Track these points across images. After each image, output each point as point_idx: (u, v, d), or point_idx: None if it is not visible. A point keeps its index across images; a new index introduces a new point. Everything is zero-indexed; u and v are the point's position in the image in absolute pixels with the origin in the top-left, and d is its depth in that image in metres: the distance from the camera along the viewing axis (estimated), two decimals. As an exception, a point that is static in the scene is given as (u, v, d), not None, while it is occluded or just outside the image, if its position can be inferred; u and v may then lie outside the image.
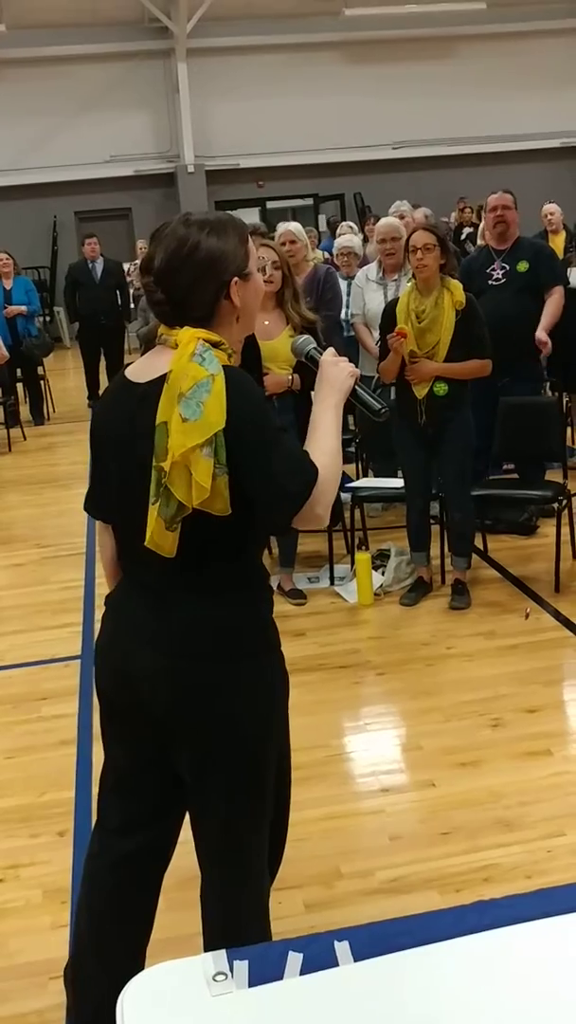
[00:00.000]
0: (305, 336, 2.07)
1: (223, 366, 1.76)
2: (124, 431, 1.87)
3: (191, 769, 1.91)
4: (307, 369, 4.27)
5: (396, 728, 3.60)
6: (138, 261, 12.06)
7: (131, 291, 11.57)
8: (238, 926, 1.99)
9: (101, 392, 1.82)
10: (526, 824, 2.90)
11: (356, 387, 1.95)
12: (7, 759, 3.48)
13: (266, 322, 4.33)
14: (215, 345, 1.79)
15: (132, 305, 10.95)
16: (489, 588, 4.73)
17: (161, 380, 1.79)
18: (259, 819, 1.97)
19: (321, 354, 1.99)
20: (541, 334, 5.12)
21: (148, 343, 1.95)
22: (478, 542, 4.93)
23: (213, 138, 15.58)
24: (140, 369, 1.89)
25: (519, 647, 4.09)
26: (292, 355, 2.09)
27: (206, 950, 1.74)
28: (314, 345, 2.03)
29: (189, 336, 1.77)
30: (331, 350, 2.01)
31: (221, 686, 1.83)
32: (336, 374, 1.93)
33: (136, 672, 1.88)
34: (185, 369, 1.73)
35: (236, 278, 1.83)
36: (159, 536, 1.77)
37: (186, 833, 2.03)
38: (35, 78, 14.76)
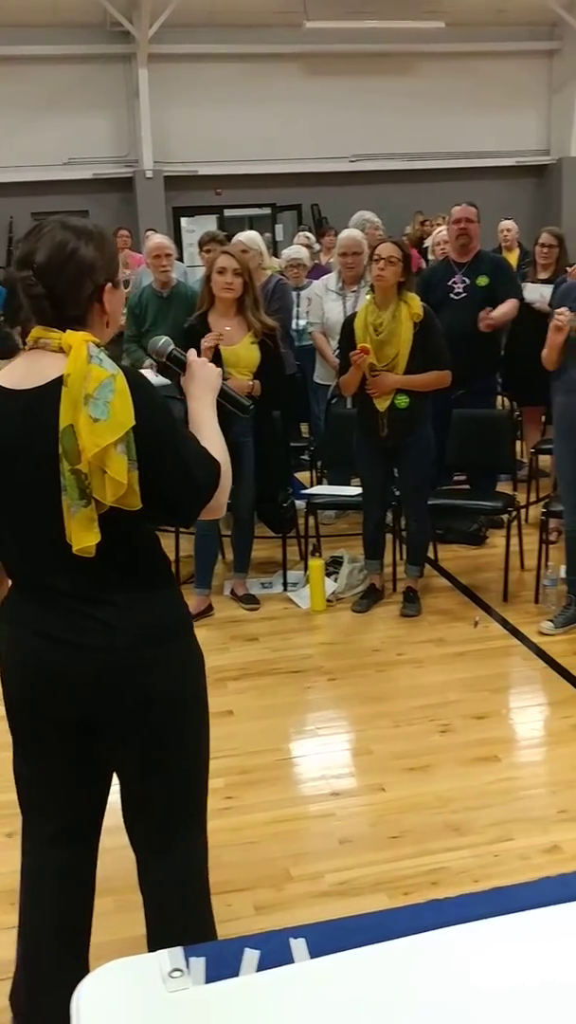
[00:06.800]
0: (165, 338, 2.12)
1: (119, 366, 1.79)
2: (16, 440, 1.81)
3: (145, 754, 1.93)
4: (265, 374, 4.33)
5: (347, 733, 3.63)
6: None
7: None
8: (198, 910, 2.04)
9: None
10: (474, 829, 2.94)
11: (223, 385, 2.07)
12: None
13: (227, 328, 4.34)
14: (98, 347, 1.81)
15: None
16: (439, 596, 4.78)
17: (53, 384, 1.77)
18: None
19: (184, 355, 2.07)
20: (488, 315, 5.20)
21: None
22: (429, 551, 4.98)
23: (172, 144, 15.53)
24: (19, 376, 1.84)
25: (468, 654, 4.14)
26: (154, 356, 2.15)
27: (163, 945, 1.75)
28: (174, 346, 2.09)
29: (79, 339, 1.78)
30: (192, 351, 2.10)
31: (159, 667, 1.90)
32: (207, 373, 2.04)
33: (78, 676, 1.86)
34: (85, 371, 1.75)
35: (109, 283, 1.87)
36: (83, 538, 1.77)
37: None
38: (-7, 77, 14.62)
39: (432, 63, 16.09)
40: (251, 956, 1.39)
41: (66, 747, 1.97)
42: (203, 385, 2.02)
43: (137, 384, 1.80)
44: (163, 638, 1.91)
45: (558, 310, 3.98)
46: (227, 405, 2.09)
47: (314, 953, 1.40)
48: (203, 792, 2.06)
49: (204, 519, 1.98)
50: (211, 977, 1.36)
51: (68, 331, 1.80)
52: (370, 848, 2.88)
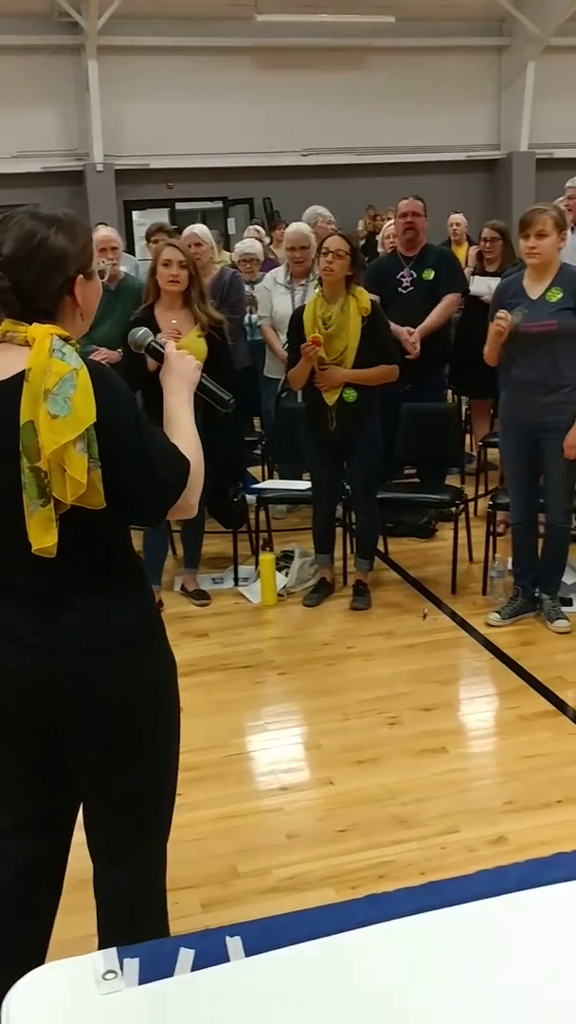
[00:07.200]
0: (144, 329, 2.08)
1: (83, 360, 1.74)
2: None
3: (111, 758, 1.89)
4: (213, 367, 4.30)
5: (296, 727, 3.63)
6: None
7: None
8: (152, 915, 2.00)
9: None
10: (421, 821, 2.96)
11: (202, 379, 2.00)
12: None
13: (173, 321, 4.31)
14: (66, 341, 1.76)
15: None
16: (389, 589, 4.80)
17: (16, 379, 1.73)
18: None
19: (163, 347, 2.02)
20: (415, 335, 5.20)
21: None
22: (379, 544, 5.00)
23: (123, 137, 15.38)
24: None
25: (417, 647, 4.16)
26: (132, 347, 2.09)
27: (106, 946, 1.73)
28: (153, 338, 2.05)
29: (43, 332, 1.73)
30: (171, 343, 2.05)
31: (123, 671, 1.86)
32: (184, 366, 1.98)
33: (40, 679, 1.84)
34: (46, 365, 1.69)
35: (80, 275, 1.81)
36: (41, 538, 1.73)
37: (78, 835, 2.00)
38: None
39: (383, 58, 16.11)
40: (186, 956, 1.37)
41: (33, 748, 1.94)
42: (180, 379, 1.96)
43: (101, 379, 1.74)
44: (129, 642, 1.87)
45: (499, 313, 4.00)
46: (206, 399, 2.03)
47: (250, 951, 1.39)
48: (170, 795, 2.03)
49: (173, 519, 1.93)
50: (145, 978, 1.34)
51: (34, 324, 1.76)
52: (318, 842, 2.88)
